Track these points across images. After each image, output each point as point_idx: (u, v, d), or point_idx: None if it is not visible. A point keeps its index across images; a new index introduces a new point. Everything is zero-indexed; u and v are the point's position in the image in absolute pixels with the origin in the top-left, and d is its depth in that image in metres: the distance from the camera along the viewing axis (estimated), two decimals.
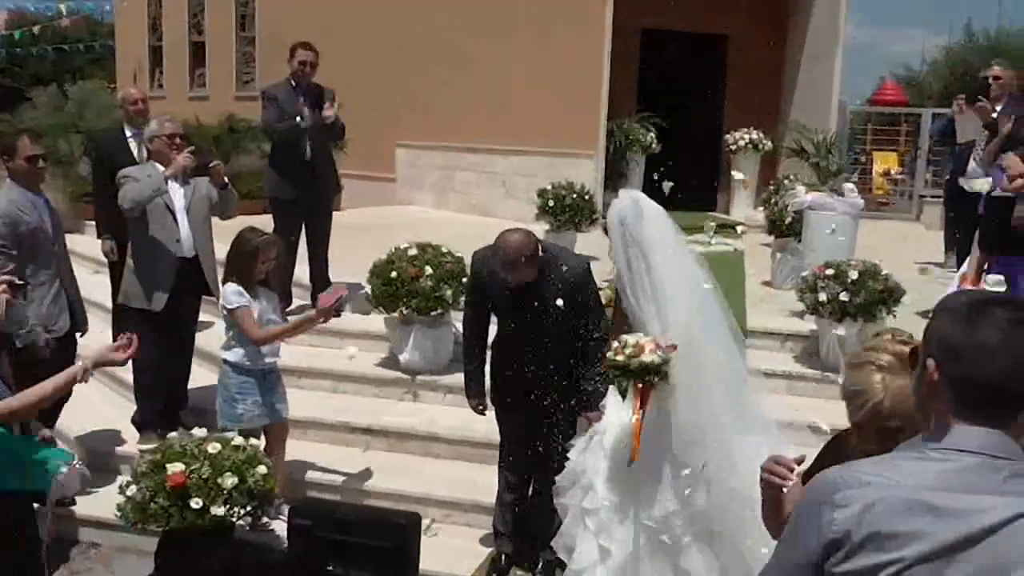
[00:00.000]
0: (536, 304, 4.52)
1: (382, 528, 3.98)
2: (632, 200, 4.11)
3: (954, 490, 1.65)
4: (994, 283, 5.67)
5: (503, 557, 4.96)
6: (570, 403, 4.57)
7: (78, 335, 5.75)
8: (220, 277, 5.39)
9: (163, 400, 6.04)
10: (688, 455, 3.91)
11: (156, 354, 5.92)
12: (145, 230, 5.75)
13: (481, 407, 5.02)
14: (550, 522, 4.62)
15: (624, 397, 4.00)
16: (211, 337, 6.76)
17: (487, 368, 4.96)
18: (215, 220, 6.13)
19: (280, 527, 4.90)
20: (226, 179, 5.95)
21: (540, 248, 4.52)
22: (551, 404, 4.59)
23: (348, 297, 5.24)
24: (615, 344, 3.92)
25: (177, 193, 5.79)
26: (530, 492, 4.98)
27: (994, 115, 6.92)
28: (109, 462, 5.97)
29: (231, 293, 5.09)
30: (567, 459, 4.30)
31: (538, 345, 4.57)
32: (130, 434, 6.16)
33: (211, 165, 5.91)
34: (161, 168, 5.70)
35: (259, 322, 5.10)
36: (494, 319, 4.90)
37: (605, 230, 4.29)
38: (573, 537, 4.19)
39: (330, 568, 3.95)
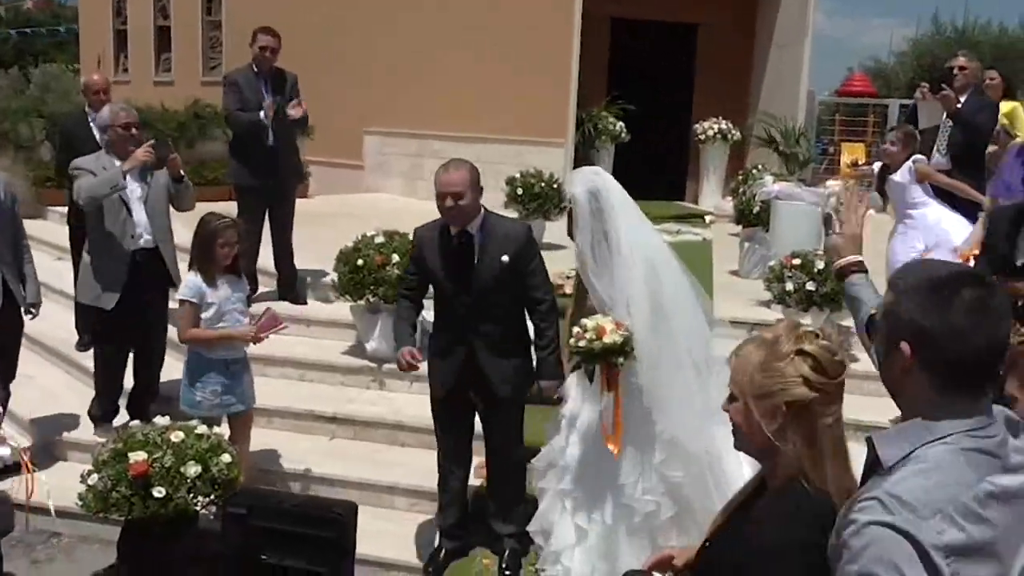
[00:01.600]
0: (479, 260, 4.42)
1: (318, 517, 3.93)
2: (594, 172, 4.19)
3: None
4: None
5: (442, 552, 4.84)
6: (519, 381, 4.52)
7: (28, 317, 5.73)
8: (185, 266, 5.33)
9: (117, 396, 5.94)
10: (659, 420, 3.91)
11: (115, 348, 5.86)
12: (101, 225, 5.60)
13: (414, 360, 4.55)
14: (515, 508, 4.61)
15: (591, 380, 3.99)
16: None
17: (426, 345, 4.83)
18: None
19: None
20: (182, 172, 5.76)
21: (480, 187, 4.41)
22: (497, 381, 4.49)
23: (282, 330, 5.30)
24: (576, 330, 3.91)
25: (135, 185, 5.63)
26: (488, 479, 4.90)
27: (958, 104, 6.97)
28: (66, 450, 5.93)
29: (188, 283, 5.08)
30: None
31: (480, 310, 4.45)
32: (89, 421, 6.07)
33: (168, 158, 5.70)
34: (117, 162, 5.55)
35: (221, 311, 5.09)
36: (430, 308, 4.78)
37: (569, 215, 4.20)
38: (551, 521, 4.19)
39: (264, 557, 3.89)
